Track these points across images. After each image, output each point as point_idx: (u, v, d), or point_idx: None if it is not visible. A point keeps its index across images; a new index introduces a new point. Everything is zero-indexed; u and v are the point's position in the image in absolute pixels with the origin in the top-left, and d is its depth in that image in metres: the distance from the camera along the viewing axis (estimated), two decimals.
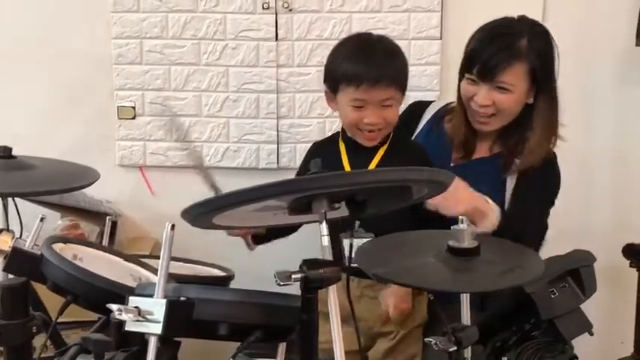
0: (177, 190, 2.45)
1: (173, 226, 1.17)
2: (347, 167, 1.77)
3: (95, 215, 2.32)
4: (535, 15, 2.33)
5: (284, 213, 1.26)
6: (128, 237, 2.44)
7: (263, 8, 2.37)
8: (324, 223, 1.17)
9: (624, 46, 2.38)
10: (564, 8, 2.37)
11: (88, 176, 1.69)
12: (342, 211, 1.23)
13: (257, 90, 2.42)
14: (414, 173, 1.16)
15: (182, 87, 2.43)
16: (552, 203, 1.91)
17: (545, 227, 1.90)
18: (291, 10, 2.37)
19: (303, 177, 1.16)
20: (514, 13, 1.87)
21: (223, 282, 1.81)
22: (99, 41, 2.40)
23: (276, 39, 2.38)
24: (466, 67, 1.84)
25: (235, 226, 1.30)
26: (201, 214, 1.14)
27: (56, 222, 2.31)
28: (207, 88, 2.43)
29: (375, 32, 2.29)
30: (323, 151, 1.84)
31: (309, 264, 1.14)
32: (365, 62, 1.68)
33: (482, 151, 1.93)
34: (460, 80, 1.88)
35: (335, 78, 1.73)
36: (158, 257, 1.89)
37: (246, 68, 2.41)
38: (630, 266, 2.13)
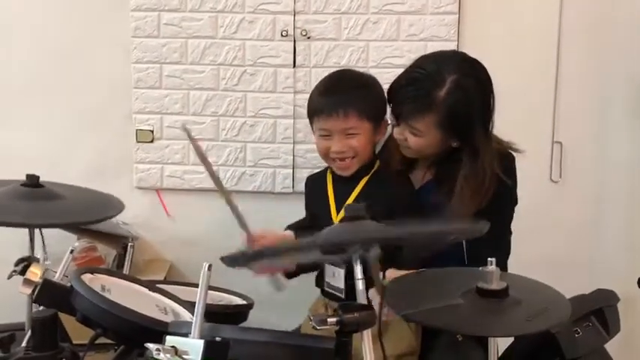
0: (194, 213, 2.47)
1: (210, 267, 1.18)
2: (331, 198, 1.86)
3: (112, 238, 2.32)
4: (549, 50, 2.37)
5: (316, 252, 1.28)
6: (144, 259, 2.45)
7: (282, 35, 2.39)
8: (359, 266, 1.20)
9: None
10: (579, 43, 2.38)
11: (113, 207, 1.72)
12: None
13: (274, 115, 2.44)
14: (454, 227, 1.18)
15: (200, 111, 2.45)
16: (512, 217, 1.83)
17: (509, 246, 1.82)
18: (309, 37, 2.39)
19: (338, 234, 1.18)
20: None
21: (244, 310, 1.82)
22: (119, 65, 2.43)
23: (294, 66, 2.41)
24: (388, 99, 1.83)
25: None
26: (239, 263, 1.20)
27: (73, 244, 2.32)
28: (225, 112, 2.45)
29: (391, 61, 2.35)
30: (315, 183, 1.97)
31: (344, 308, 1.16)
32: (325, 94, 1.83)
33: (418, 175, 1.90)
34: None
35: (308, 113, 1.90)
36: (174, 283, 1.94)
37: (264, 94, 2.43)
38: None
